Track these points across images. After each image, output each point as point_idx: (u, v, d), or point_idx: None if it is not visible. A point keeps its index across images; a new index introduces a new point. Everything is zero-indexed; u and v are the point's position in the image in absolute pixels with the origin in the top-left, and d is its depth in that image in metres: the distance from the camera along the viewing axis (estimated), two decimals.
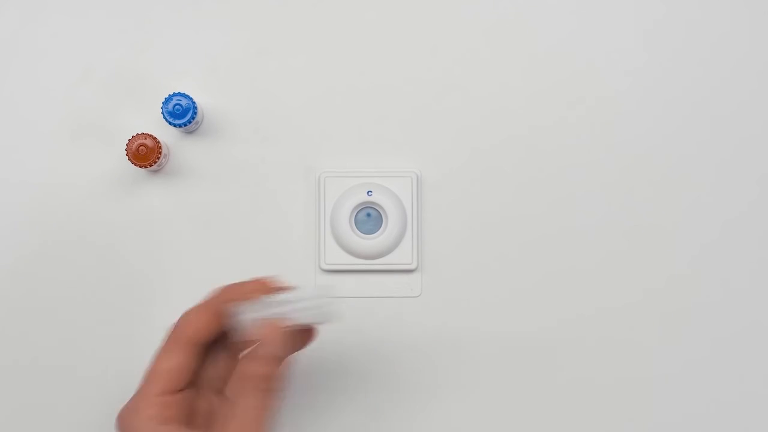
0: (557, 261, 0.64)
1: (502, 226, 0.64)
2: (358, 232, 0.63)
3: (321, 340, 0.55)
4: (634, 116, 0.64)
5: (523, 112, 0.64)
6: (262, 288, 0.52)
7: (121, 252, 0.64)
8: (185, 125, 0.61)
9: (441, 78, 0.64)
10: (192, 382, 0.51)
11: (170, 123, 0.61)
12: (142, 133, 0.61)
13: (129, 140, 0.61)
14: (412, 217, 0.63)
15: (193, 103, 0.61)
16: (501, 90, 0.64)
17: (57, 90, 0.64)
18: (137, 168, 0.62)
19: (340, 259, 0.63)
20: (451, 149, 0.64)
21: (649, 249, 0.64)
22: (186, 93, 0.61)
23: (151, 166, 0.61)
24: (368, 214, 0.63)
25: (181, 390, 0.50)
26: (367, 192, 0.63)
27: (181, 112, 0.61)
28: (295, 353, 0.53)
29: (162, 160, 0.61)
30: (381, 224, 0.63)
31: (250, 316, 0.51)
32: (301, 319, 0.50)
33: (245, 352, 0.51)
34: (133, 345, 0.64)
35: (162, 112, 0.61)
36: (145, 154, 0.60)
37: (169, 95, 0.61)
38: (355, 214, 0.63)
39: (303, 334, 0.53)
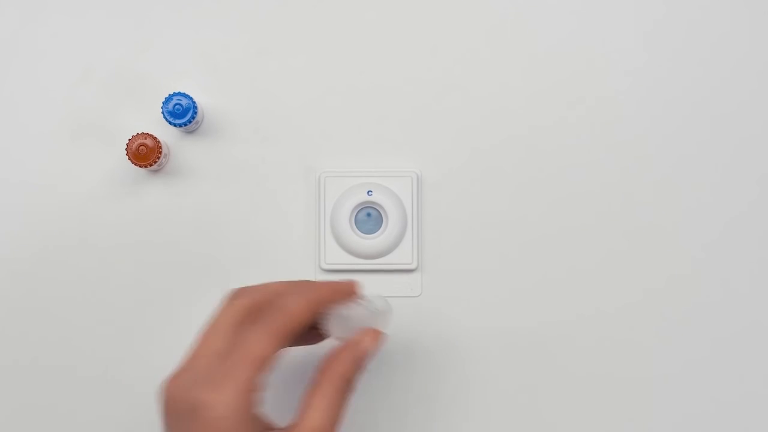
0: (557, 261, 0.64)
1: (502, 226, 0.64)
2: (358, 232, 0.63)
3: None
4: (634, 116, 0.64)
5: (523, 112, 0.64)
6: (354, 291, 0.54)
7: (121, 252, 0.64)
8: (185, 125, 0.61)
9: (441, 78, 0.64)
10: None
11: (170, 123, 0.61)
12: (142, 133, 0.61)
13: (129, 140, 0.61)
14: (412, 217, 0.63)
15: (193, 103, 0.61)
16: (501, 90, 0.64)
17: (57, 90, 0.64)
18: (137, 168, 0.62)
19: (340, 259, 0.63)
20: (451, 149, 0.64)
21: (649, 249, 0.64)
22: (186, 93, 0.61)
23: (151, 166, 0.61)
24: (368, 214, 0.63)
25: None
26: (367, 192, 0.63)
27: (181, 112, 0.61)
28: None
29: (162, 160, 0.61)
30: (381, 224, 0.63)
31: (336, 314, 0.53)
32: (370, 322, 0.53)
33: (333, 350, 0.52)
34: (133, 345, 0.64)
35: (162, 112, 0.61)
36: (145, 154, 0.60)
37: (169, 95, 0.61)
38: (355, 214, 0.63)
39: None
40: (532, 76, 0.64)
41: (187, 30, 0.64)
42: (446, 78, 0.64)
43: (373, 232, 0.63)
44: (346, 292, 0.54)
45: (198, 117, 0.62)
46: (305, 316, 0.51)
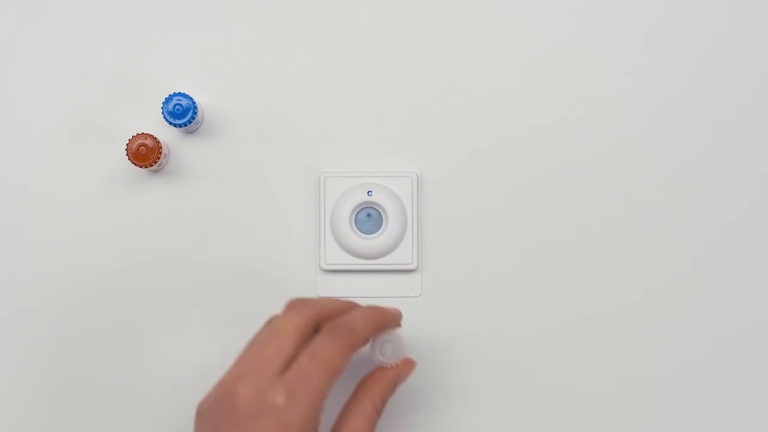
0: (557, 261, 0.64)
1: (502, 226, 0.64)
2: (358, 232, 0.63)
3: None
4: (634, 116, 0.64)
5: (523, 112, 0.64)
6: (400, 319, 0.59)
7: (121, 252, 0.64)
8: (185, 125, 0.61)
9: (441, 78, 0.64)
10: None
11: (170, 123, 0.61)
12: (142, 133, 0.61)
13: (129, 140, 0.61)
14: (412, 217, 0.63)
15: (193, 103, 0.61)
16: (501, 90, 0.64)
17: (57, 90, 0.64)
18: (137, 168, 0.62)
19: (340, 259, 0.63)
20: (451, 149, 0.64)
21: (649, 249, 0.64)
22: (186, 93, 0.61)
23: (151, 166, 0.61)
24: (368, 214, 0.63)
25: None
26: (367, 192, 0.63)
27: (181, 112, 0.61)
28: None
29: (162, 160, 0.61)
30: (381, 224, 0.63)
31: (384, 338, 0.58)
32: (405, 350, 0.58)
33: (376, 371, 0.57)
34: (132, 345, 0.64)
35: (162, 112, 0.61)
36: (145, 154, 0.60)
37: (169, 95, 0.61)
38: (355, 214, 0.63)
39: None
40: (532, 76, 0.64)
41: (187, 30, 0.64)
42: (446, 78, 0.64)
43: (373, 233, 0.63)
44: (396, 319, 0.59)
45: (198, 117, 0.62)
46: (368, 335, 0.55)
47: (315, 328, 0.54)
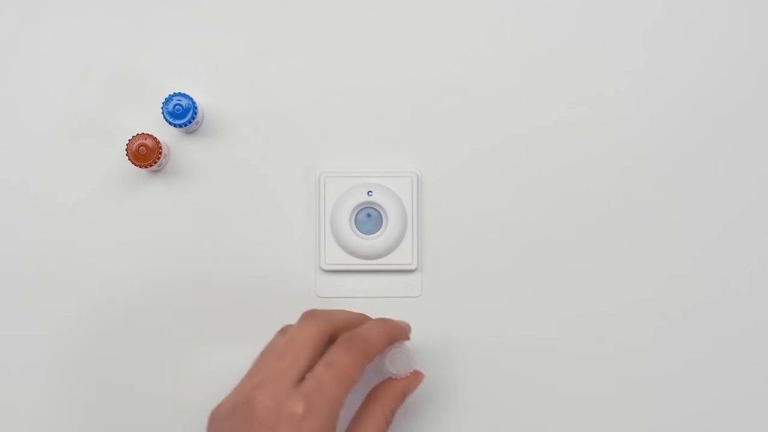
0: (557, 261, 0.64)
1: (502, 226, 0.64)
2: (358, 232, 0.63)
3: None
4: (634, 116, 0.64)
5: (523, 112, 0.64)
6: (407, 333, 0.60)
7: (121, 252, 0.64)
8: (185, 125, 0.61)
9: (441, 78, 0.64)
10: None
11: (170, 123, 0.61)
12: (142, 133, 0.61)
13: (129, 140, 0.61)
14: (412, 217, 0.63)
15: (193, 103, 0.61)
16: (501, 90, 0.64)
17: (57, 90, 0.64)
18: (137, 168, 0.62)
19: (340, 259, 0.63)
20: (451, 149, 0.64)
21: (649, 249, 0.64)
22: (186, 93, 0.61)
23: (151, 166, 0.61)
24: (368, 214, 0.63)
25: None
26: (367, 192, 0.63)
27: (181, 112, 0.61)
28: None
29: (162, 160, 0.61)
30: (381, 224, 0.63)
31: (395, 351, 0.58)
32: (413, 362, 0.59)
33: (386, 383, 0.58)
34: (132, 344, 0.64)
35: (162, 112, 0.61)
36: (145, 154, 0.60)
37: (169, 95, 0.61)
38: (355, 214, 0.63)
39: None
40: (532, 76, 0.64)
41: (187, 30, 0.64)
42: (446, 78, 0.64)
43: (373, 233, 0.63)
44: (406, 332, 0.60)
45: (198, 117, 0.62)
46: (382, 346, 0.56)
47: (330, 340, 0.54)
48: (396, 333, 0.58)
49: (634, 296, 0.64)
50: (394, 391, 0.57)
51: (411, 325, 0.60)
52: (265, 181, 0.64)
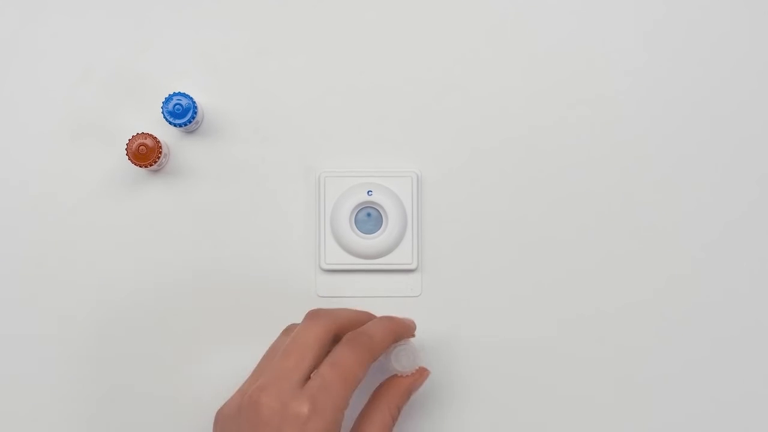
0: (557, 261, 0.64)
1: (502, 226, 0.64)
2: (358, 232, 0.63)
3: None
4: (634, 116, 0.64)
5: (523, 112, 0.64)
6: (413, 330, 0.60)
7: (121, 252, 0.64)
8: (185, 125, 0.61)
9: (441, 78, 0.64)
10: None
11: (170, 123, 0.61)
12: (142, 133, 0.61)
13: (129, 140, 0.61)
14: (412, 217, 0.63)
15: (193, 103, 0.61)
16: (501, 90, 0.64)
17: (57, 90, 0.64)
18: (137, 168, 0.62)
19: (340, 259, 0.63)
20: (451, 149, 0.64)
21: (649, 249, 0.64)
22: (186, 93, 0.61)
23: (151, 166, 0.61)
24: (368, 214, 0.63)
25: None
26: (367, 192, 0.63)
27: (181, 112, 0.61)
28: None
29: (162, 160, 0.61)
30: (381, 224, 0.63)
31: (400, 348, 0.58)
32: (420, 359, 0.59)
33: (391, 380, 0.58)
34: (131, 344, 0.64)
35: (162, 112, 0.61)
36: (145, 154, 0.60)
37: (169, 95, 0.61)
38: (355, 214, 0.63)
39: None
40: (532, 76, 0.64)
41: (187, 30, 0.64)
42: (446, 78, 0.64)
43: (373, 232, 0.63)
44: (411, 329, 0.59)
45: (198, 117, 0.62)
46: (387, 344, 0.56)
47: (334, 339, 0.54)
48: (401, 330, 0.58)
49: (634, 296, 0.64)
50: (399, 389, 0.57)
51: (405, 316, 0.60)
52: (265, 181, 0.64)
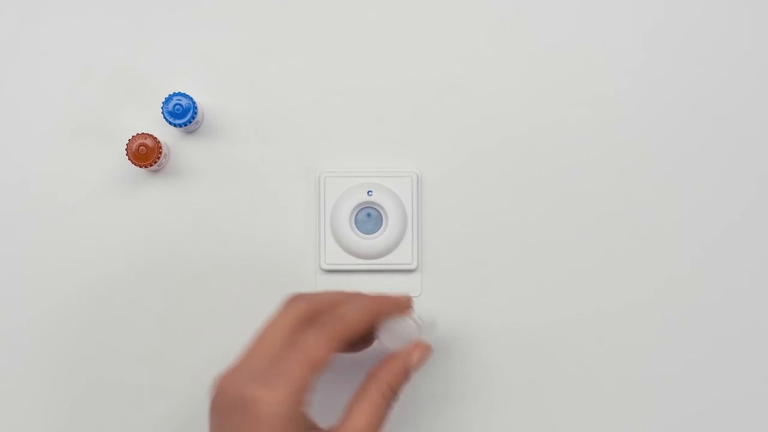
0: (557, 261, 0.64)
1: (502, 226, 0.64)
2: (358, 232, 0.63)
3: None
4: (634, 116, 0.64)
5: (523, 112, 0.64)
6: (409, 306, 0.57)
7: (121, 252, 0.64)
8: (185, 125, 0.61)
9: (441, 78, 0.64)
10: None
11: (170, 123, 0.61)
12: (142, 133, 0.61)
13: (129, 140, 0.61)
14: (412, 217, 0.63)
15: (193, 103, 0.61)
16: (501, 90, 0.64)
17: (57, 90, 0.64)
18: (137, 168, 0.62)
19: (340, 259, 0.63)
20: (451, 149, 0.64)
21: (649, 249, 0.64)
22: (186, 93, 0.61)
23: (151, 166, 0.61)
24: (368, 214, 0.63)
25: None
26: (367, 192, 0.63)
27: (181, 112, 0.61)
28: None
29: (162, 160, 0.61)
30: (381, 224, 0.63)
31: (390, 326, 0.56)
32: (419, 336, 0.56)
33: (383, 359, 0.55)
34: (131, 344, 0.64)
35: (162, 112, 0.61)
36: (145, 154, 0.60)
37: (169, 95, 0.61)
38: (355, 214, 0.63)
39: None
40: (532, 76, 0.64)
41: (187, 30, 0.64)
42: (446, 78, 0.64)
43: (373, 232, 0.63)
44: (402, 306, 0.57)
45: (198, 117, 0.62)
46: (362, 325, 0.53)
47: (312, 322, 0.53)
48: (385, 308, 0.55)
49: (634, 296, 0.64)
50: (392, 366, 0.54)
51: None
52: (265, 181, 0.64)
